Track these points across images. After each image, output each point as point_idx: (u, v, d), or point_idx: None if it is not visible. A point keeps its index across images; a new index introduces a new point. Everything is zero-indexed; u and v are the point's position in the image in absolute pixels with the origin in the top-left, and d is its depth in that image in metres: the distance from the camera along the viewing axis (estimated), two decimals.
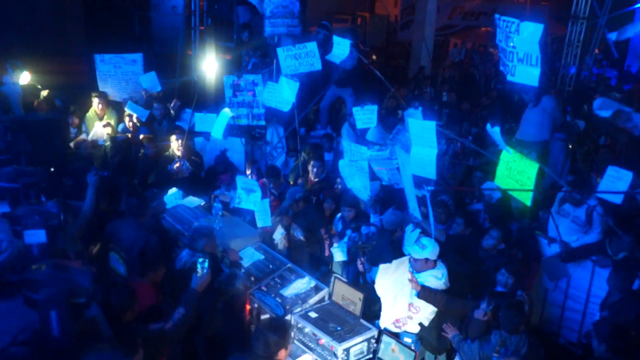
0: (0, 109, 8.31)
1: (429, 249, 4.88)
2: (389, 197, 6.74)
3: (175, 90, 10.43)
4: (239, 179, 6.55)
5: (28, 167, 4.87)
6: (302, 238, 6.30)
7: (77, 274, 3.18)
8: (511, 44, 5.15)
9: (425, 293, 4.79)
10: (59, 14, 14.83)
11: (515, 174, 5.04)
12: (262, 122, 8.40)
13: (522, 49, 5.06)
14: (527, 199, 5.08)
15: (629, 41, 19.19)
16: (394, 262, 5.19)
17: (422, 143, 5.57)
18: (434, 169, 5.55)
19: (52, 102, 9.14)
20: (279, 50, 7.62)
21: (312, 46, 7.41)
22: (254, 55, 10.10)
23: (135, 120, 8.83)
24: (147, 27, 12.58)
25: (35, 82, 9.77)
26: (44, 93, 9.16)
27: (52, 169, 6.51)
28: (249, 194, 6.40)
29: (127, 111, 8.86)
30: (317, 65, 7.50)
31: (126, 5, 12.38)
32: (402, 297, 4.95)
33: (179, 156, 7.79)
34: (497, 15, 5.38)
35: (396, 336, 4.82)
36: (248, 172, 7.68)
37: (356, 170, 6.40)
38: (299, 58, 7.46)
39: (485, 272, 5.47)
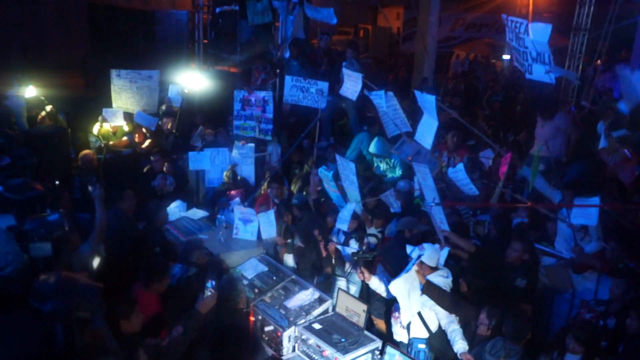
0: (5, 123, 8.38)
1: (426, 252, 5.01)
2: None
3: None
4: (236, 209, 6.58)
5: (34, 180, 4.90)
6: (301, 245, 6.34)
7: (83, 289, 3.19)
8: (523, 45, 5.27)
9: (429, 288, 4.89)
10: (65, 28, 14.95)
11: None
12: (269, 137, 8.55)
13: (534, 49, 5.19)
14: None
15: (632, 51, 19.18)
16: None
17: (429, 113, 5.72)
18: (431, 139, 5.75)
19: (55, 116, 9.22)
20: (287, 78, 7.71)
21: (323, 85, 7.46)
22: (263, 71, 10.18)
23: (144, 130, 8.93)
24: (151, 41, 12.70)
25: (40, 96, 9.84)
26: (48, 108, 9.24)
27: (56, 182, 6.56)
28: (246, 224, 6.52)
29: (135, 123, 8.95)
30: (322, 104, 7.65)
31: (131, 20, 12.51)
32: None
33: (163, 172, 7.79)
34: (504, 15, 5.49)
35: (400, 346, 4.81)
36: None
37: (349, 184, 6.37)
38: (305, 91, 7.58)
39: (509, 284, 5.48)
